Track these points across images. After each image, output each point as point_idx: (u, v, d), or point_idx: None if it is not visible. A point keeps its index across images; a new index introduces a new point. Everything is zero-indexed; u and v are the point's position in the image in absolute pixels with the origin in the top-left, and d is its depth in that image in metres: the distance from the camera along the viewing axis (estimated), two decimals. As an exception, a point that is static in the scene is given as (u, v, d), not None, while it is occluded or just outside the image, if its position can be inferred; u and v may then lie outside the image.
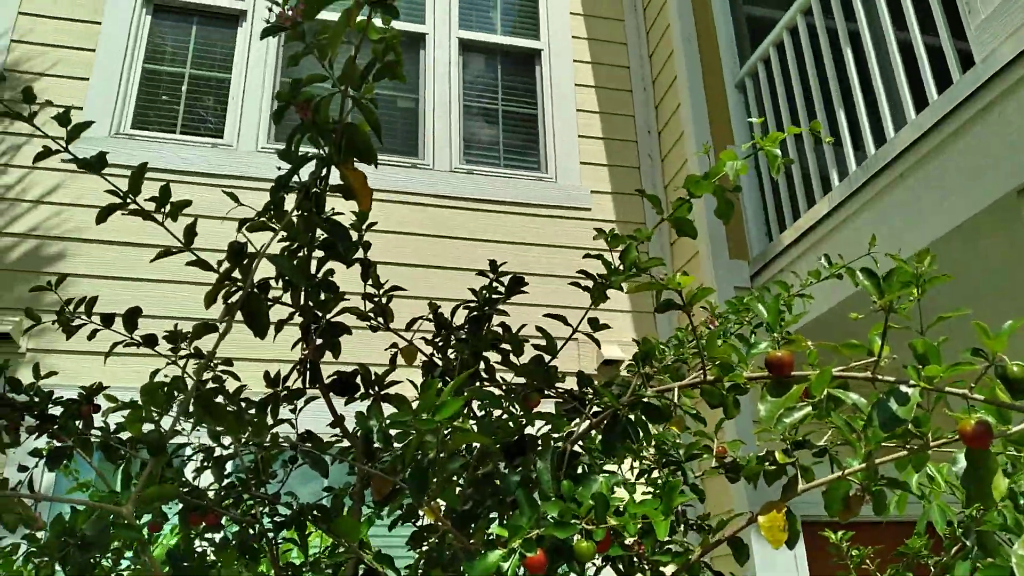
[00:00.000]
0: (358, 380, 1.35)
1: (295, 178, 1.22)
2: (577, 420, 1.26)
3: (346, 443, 1.50)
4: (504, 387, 1.54)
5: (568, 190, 4.29)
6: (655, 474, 1.72)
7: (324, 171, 1.16)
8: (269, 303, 1.24)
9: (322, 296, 1.27)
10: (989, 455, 0.86)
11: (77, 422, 1.84)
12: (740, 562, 1.29)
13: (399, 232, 3.93)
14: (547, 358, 1.38)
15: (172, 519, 1.88)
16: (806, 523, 1.78)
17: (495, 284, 1.71)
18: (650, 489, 1.76)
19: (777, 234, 3.78)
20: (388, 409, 1.48)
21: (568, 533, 0.98)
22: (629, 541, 1.06)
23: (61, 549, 1.21)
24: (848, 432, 0.93)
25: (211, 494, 1.74)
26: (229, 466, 1.87)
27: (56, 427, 1.80)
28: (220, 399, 1.21)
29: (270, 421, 1.42)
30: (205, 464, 1.85)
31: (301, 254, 1.23)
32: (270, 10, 1.00)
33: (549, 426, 1.28)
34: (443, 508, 1.27)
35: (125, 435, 1.85)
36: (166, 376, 1.46)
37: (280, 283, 1.27)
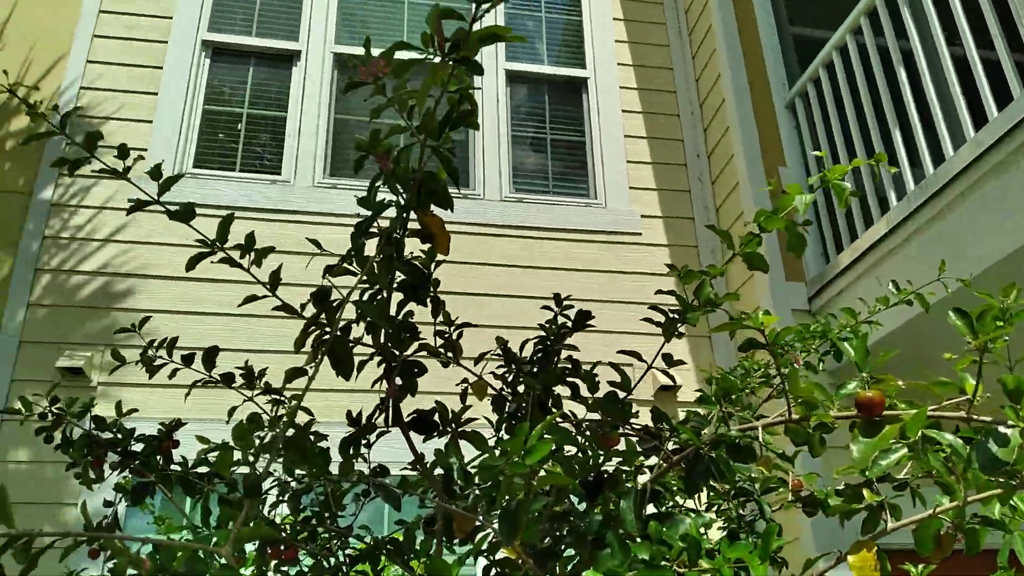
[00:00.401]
0: (436, 418, 1.37)
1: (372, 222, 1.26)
2: (654, 457, 1.27)
3: (407, 470, 1.53)
4: (574, 421, 1.56)
5: (617, 215, 4.30)
6: (724, 505, 1.72)
7: (404, 217, 1.19)
8: (351, 343, 1.27)
9: (399, 335, 1.30)
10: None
11: (157, 457, 1.90)
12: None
13: (452, 262, 3.97)
14: (621, 394, 1.39)
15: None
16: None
17: (560, 317, 1.74)
18: (722, 522, 1.75)
19: (834, 255, 3.73)
20: (464, 445, 1.51)
21: (660, 576, 0.98)
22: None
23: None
24: (946, 474, 0.92)
25: (286, 527, 1.79)
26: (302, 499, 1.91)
27: (138, 463, 1.87)
28: (298, 436, 1.25)
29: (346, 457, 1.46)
30: (281, 498, 1.89)
31: (380, 296, 1.27)
32: (353, 67, 1.04)
33: (623, 462, 1.29)
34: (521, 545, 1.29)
35: (202, 469, 1.92)
36: (238, 407, 1.51)
37: (361, 324, 1.30)
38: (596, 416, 1.38)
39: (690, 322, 1.25)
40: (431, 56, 0.93)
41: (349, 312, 1.30)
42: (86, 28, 4.19)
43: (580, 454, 1.42)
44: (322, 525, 1.82)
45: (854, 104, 3.71)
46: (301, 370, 1.20)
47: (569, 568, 1.22)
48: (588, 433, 1.35)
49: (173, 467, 1.87)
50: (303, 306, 1.27)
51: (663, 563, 0.97)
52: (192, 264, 1.27)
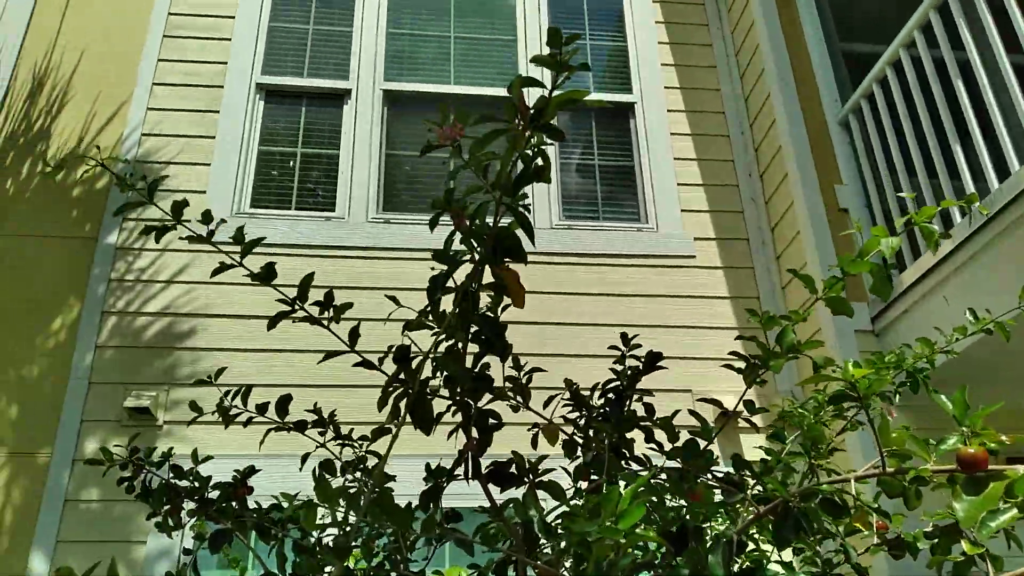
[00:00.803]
0: (513, 469, 1.37)
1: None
2: (738, 507, 1.24)
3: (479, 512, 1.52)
4: (649, 466, 1.54)
5: (670, 239, 4.26)
6: (807, 551, 1.67)
7: (480, 271, 1.20)
8: (428, 395, 1.28)
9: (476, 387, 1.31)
10: None
11: (232, 503, 1.93)
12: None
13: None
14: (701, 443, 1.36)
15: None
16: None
17: (628, 356, 1.72)
18: (802, 564, 1.71)
19: (897, 274, 3.64)
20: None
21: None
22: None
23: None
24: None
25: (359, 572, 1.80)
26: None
27: (214, 509, 1.90)
28: (383, 494, 1.25)
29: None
30: (355, 544, 1.91)
31: (456, 348, 1.28)
32: (430, 131, 1.06)
33: (706, 512, 1.26)
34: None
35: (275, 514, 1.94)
36: (311, 454, 1.51)
37: (437, 375, 1.31)
38: (675, 464, 1.37)
39: (773, 370, 1.23)
40: (512, 125, 0.94)
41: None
42: (146, 76, 4.34)
43: (657, 500, 1.41)
44: (395, 570, 1.83)
45: (911, 118, 3.63)
46: (385, 429, 1.21)
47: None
48: (667, 483, 1.33)
49: (248, 513, 1.90)
50: (381, 359, 1.29)
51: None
52: (273, 324, 1.29)
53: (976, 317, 1.86)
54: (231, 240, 1.37)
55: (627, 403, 1.56)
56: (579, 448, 1.61)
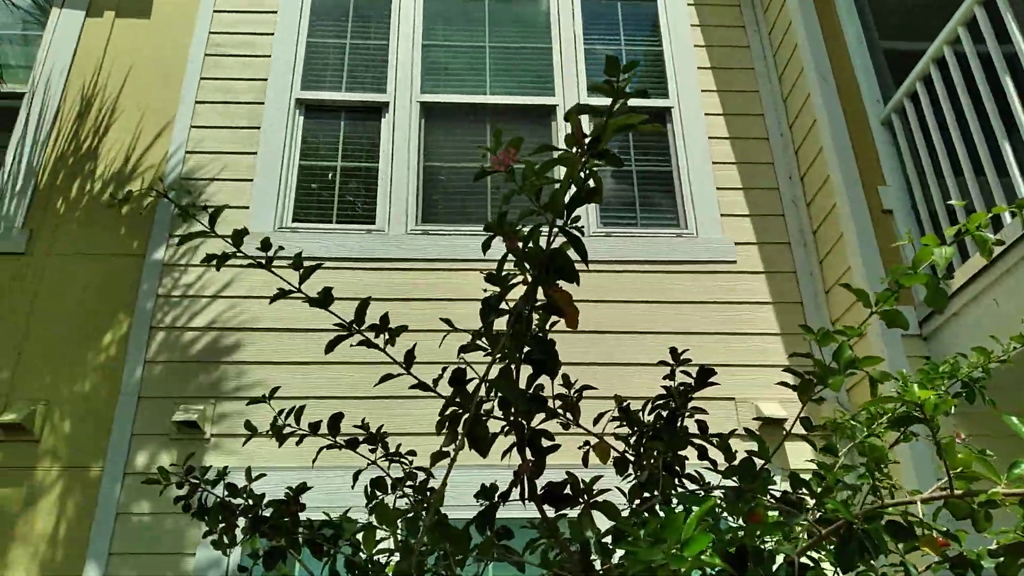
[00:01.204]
0: (568, 490, 1.37)
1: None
2: (798, 528, 1.23)
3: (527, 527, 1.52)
4: (702, 483, 1.53)
5: (710, 244, 4.23)
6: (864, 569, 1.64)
7: (533, 293, 1.20)
8: (483, 417, 1.29)
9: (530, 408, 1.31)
10: None
11: (285, 519, 1.96)
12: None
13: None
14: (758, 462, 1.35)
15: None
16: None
17: (677, 371, 1.71)
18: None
19: (946, 279, 3.56)
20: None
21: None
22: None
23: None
24: None
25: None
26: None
27: (268, 527, 1.93)
28: (442, 520, 1.26)
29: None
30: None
31: (510, 369, 1.28)
32: (484, 156, 1.06)
33: (765, 533, 1.25)
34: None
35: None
36: (362, 471, 1.52)
37: (491, 396, 1.32)
38: (730, 483, 1.35)
39: (832, 388, 1.21)
40: (570, 153, 0.95)
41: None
42: (189, 95, 4.43)
43: (712, 521, 1.39)
44: (446, 586, 1.84)
45: (956, 116, 3.56)
46: (443, 453, 1.22)
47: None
48: (723, 503, 1.31)
49: (300, 530, 1.92)
50: (436, 380, 1.29)
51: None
52: (331, 347, 1.31)
53: (1035, 325, 1.81)
54: (270, 256, 1.39)
55: (680, 420, 1.55)
56: (630, 465, 1.61)
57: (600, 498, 1.37)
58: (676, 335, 3.89)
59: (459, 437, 1.17)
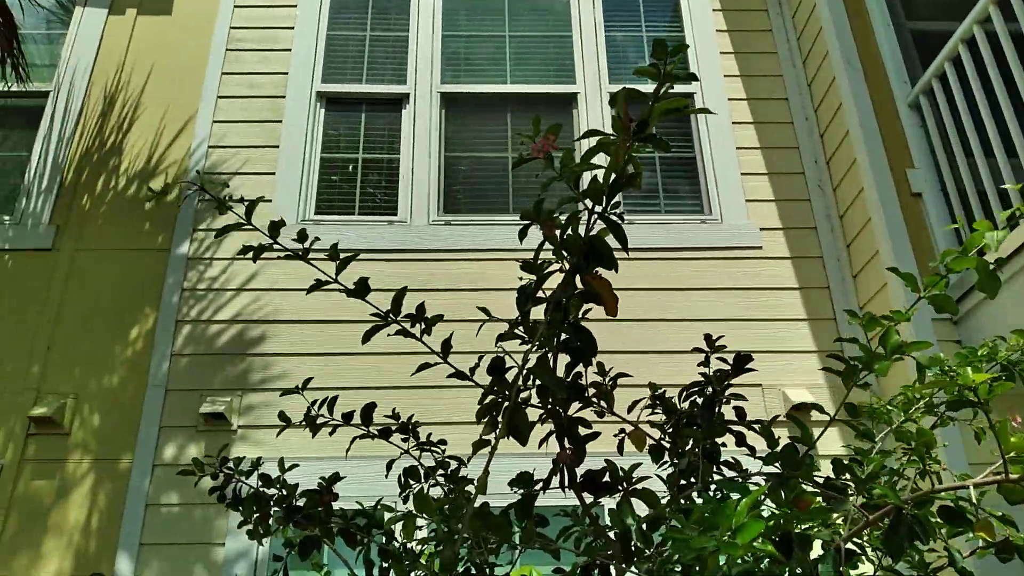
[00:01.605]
0: (607, 477, 1.36)
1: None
2: (844, 513, 1.21)
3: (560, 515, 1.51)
4: (741, 470, 1.51)
5: (735, 230, 4.19)
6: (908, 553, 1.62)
7: (572, 280, 1.19)
8: (522, 405, 1.28)
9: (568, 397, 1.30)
10: None
11: (319, 509, 1.96)
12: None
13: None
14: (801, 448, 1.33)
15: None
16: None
17: (713, 358, 1.70)
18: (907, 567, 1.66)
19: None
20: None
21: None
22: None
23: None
24: None
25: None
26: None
27: (302, 516, 1.94)
28: (483, 507, 1.26)
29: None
30: (438, 547, 1.92)
31: (547, 358, 1.27)
32: (522, 143, 1.05)
33: (811, 519, 1.23)
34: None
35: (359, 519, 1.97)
36: (396, 460, 1.51)
37: (529, 383, 1.31)
38: (772, 469, 1.34)
39: (879, 373, 1.19)
40: (617, 138, 0.93)
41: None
42: (210, 90, 4.44)
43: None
44: (480, 573, 1.84)
45: (987, 97, 3.49)
46: (484, 441, 1.21)
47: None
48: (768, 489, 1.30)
49: (334, 519, 1.93)
50: (472, 370, 1.29)
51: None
52: (367, 337, 1.30)
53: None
54: (306, 248, 1.39)
55: (717, 407, 1.53)
56: (666, 452, 1.60)
57: (639, 486, 1.36)
58: (700, 322, 3.86)
59: (499, 426, 1.16)
